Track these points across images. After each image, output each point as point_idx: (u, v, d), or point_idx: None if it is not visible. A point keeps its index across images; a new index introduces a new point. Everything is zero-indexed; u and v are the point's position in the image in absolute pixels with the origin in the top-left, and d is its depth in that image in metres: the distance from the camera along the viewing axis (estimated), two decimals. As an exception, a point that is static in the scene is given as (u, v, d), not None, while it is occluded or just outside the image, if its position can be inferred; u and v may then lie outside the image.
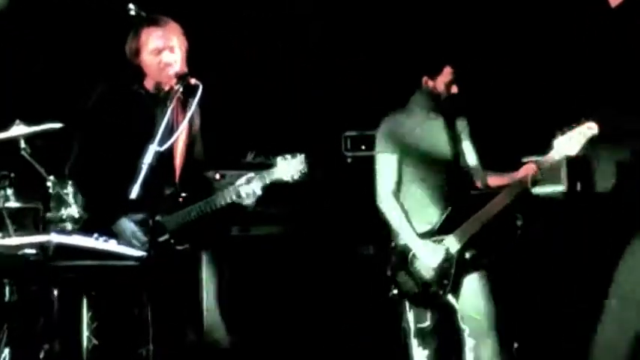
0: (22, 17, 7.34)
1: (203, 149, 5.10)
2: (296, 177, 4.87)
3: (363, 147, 7.14)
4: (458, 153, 5.58)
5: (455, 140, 5.57)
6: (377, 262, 6.12)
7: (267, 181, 4.87)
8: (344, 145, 7.24)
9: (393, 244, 5.48)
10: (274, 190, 4.97)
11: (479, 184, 5.63)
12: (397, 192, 5.49)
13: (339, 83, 7.44)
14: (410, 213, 5.44)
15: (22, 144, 6.41)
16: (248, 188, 4.81)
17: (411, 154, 5.51)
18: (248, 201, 4.86)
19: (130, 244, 4.65)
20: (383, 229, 5.57)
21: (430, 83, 5.54)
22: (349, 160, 7.21)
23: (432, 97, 5.54)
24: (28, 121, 6.41)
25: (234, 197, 4.83)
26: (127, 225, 4.75)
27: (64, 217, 6.49)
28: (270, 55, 7.46)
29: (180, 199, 4.88)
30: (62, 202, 6.52)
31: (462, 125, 5.63)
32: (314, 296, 6.93)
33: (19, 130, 6.42)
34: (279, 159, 4.89)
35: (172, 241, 4.79)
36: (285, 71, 7.48)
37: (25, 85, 7.45)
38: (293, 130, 7.27)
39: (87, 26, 7.24)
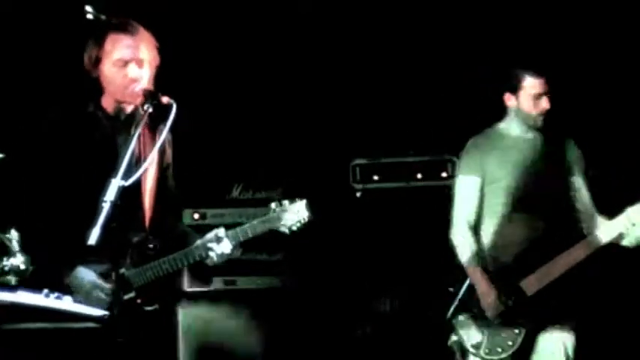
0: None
1: (175, 184, 5.05)
2: (295, 228, 4.86)
3: (376, 177, 7.22)
4: (562, 189, 5.58)
5: (559, 172, 5.57)
6: (395, 322, 6.09)
7: (258, 232, 4.84)
8: (352, 175, 7.27)
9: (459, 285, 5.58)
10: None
11: (587, 230, 5.54)
12: (475, 223, 5.60)
13: (346, 100, 7.47)
14: (489, 249, 5.56)
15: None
16: (217, 247, 4.78)
17: (498, 183, 5.56)
18: (215, 260, 4.82)
19: (90, 300, 4.59)
20: (404, 278, 5.57)
21: (512, 101, 5.56)
22: (359, 194, 7.24)
23: (520, 118, 5.55)
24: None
25: (203, 255, 4.79)
26: (87, 275, 4.68)
27: (6, 268, 6.46)
28: (260, 67, 7.47)
29: (151, 248, 4.83)
30: (4, 251, 6.51)
31: (572, 154, 5.61)
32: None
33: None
34: (273, 205, 4.88)
35: (139, 300, 4.75)
36: (279, 86, 7.50)
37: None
38: (289, 158, 7.31)
39: (31, 34, 7.24)
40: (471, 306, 5.50)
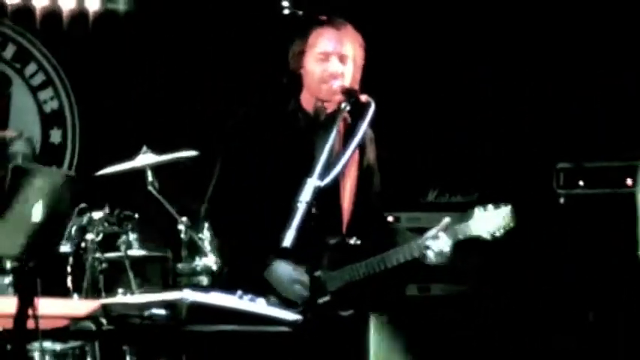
0: (152, 29, 7.61)
1: (380, 185, 4.99)
2: (498, 234, 4.74)
3: (581, 183, 7.08)
4: None
5: None
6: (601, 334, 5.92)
7: (460, 237, 4.74)
8: (556, 180, 7.16)
9: None
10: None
11: None
12: None
13: (549, 101, 7.41)
14: None
15: (150, 177, 6.56)
16: (436, 245, 4.70)
17: None
18: (434, 260, 4.74)
19: (288, 296, 4.62)
20: (609, 290, 5.43)
21: None
22: (562, 200, 7.13)
23: None
24: (158, 149, 6.56)
25: (416, 255, 4.73)
26: (286, 270, 4.68)
27: (198, 268, 6.57)
28: (459, 68, 7.49)
29: (348, 252, 4.81)
30: (197, 251, 6.60)
31: None
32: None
33: (146, 159, 6.57)
34: (476, 210, 4.76)
35: (334, 304, 4.72)
36: (479, 87, 7.50)
37: (154, 107, 7.65)
38: (488, 160, 7.29)
39: (229, 34, 7.39)
40: None
